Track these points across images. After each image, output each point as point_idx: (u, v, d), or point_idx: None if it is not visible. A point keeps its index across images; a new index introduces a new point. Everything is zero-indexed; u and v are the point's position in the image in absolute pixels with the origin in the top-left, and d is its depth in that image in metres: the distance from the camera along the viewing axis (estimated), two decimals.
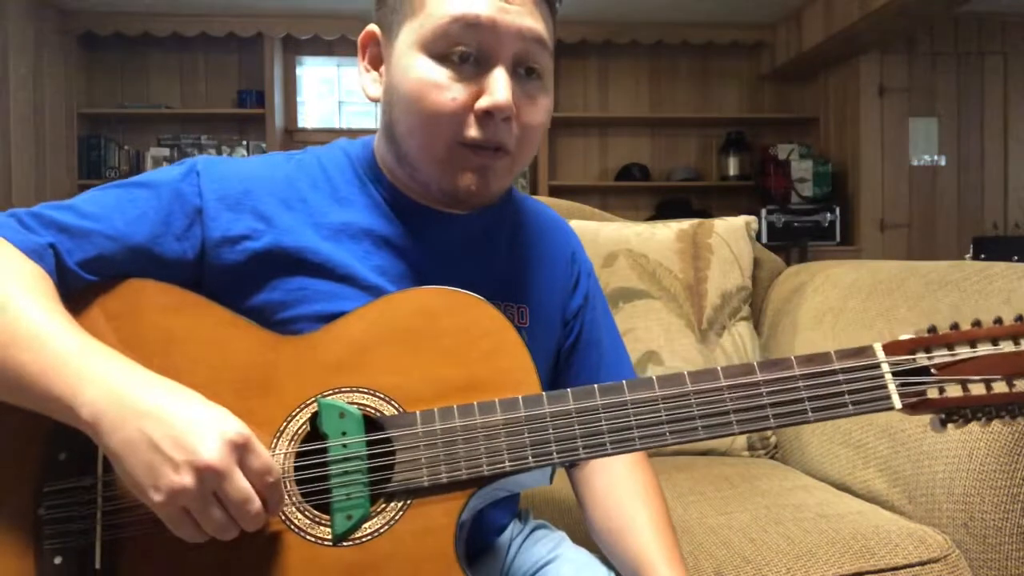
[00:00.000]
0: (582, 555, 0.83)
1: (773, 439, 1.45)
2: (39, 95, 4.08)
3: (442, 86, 0.70)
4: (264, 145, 4.57)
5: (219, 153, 4.60)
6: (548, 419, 0.64)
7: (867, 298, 1.27)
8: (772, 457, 1.44)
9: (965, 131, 4.62)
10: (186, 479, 0.55)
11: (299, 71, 4.83)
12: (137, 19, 4.38)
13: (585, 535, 0.85)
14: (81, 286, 0.70)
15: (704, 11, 4.50)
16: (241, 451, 0.57)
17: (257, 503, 0.58)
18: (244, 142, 4.64)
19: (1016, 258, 2.93)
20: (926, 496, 1.02)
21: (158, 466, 0.56)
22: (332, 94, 4.95)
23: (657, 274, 1.51)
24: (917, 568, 0.92)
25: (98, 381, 0.59)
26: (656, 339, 1.46)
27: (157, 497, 0.56)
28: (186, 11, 4.37)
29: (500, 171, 0.74)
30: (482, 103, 0.70)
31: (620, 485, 0.82)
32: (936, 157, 4.60)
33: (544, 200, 1.67)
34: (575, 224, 1.54)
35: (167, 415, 0.57)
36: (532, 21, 0.71)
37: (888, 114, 4.49)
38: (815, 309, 1.40)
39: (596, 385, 0.65)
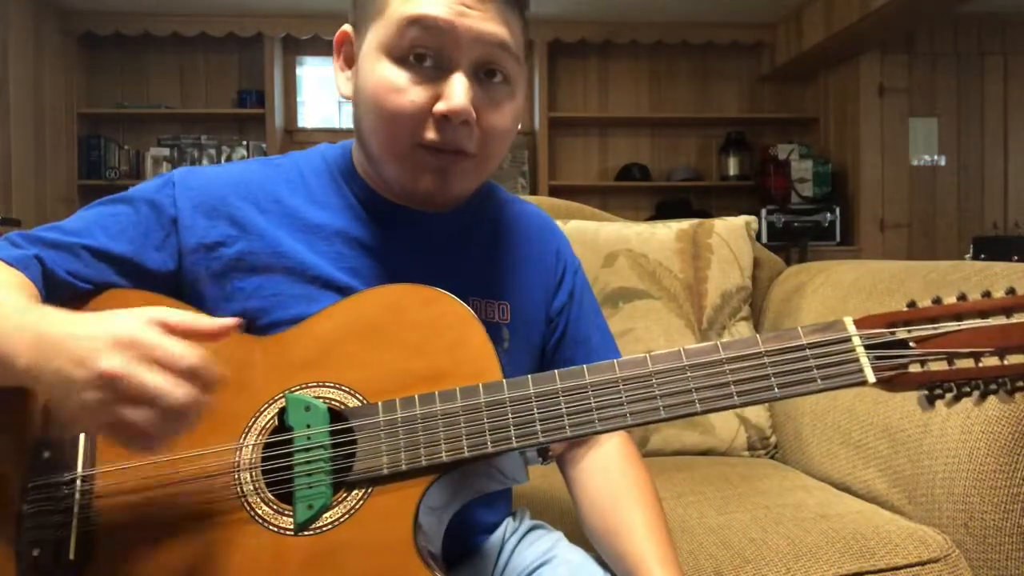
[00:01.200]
0: (578, 555, 0.83)
1: (773, 439, 1.45)
2: (39, 95, 4.08)
3: (401, 89, 0.71)
4: (264, 145, 4.57)
5: (219, 153, 4.60)
6: (507, 404, 0.64)
7: (867, 298, 1.27)
8: (772, 457, 1.44)
9: (965, 131, 4.62)
10: (95, 394, 0.55)
11: (299, 71, 4.83)
12: (137, 19, 4.38)
13: (585, 536, 0.85)
14: (77, 291, 0.73)
15: (704, 11, 4.50)
16: (136, 348, 0.56)
17: (176, 390, 0.55)
18: (244, 142, 4.64)
19: (1016, 258, 2.93)
20: (926, 496, 1.02)
21: (73, 393, 0.56)
22: (332, 94, 4.95)
23: (657, 274, 1.51)
24: (917, 568, 0.92)
25: (24, 335, 0.59)
26: (656, 339, 1.46)
27: (85, 422, 0.57)
28: (186, 11, 4.36)
29: (462, 173, 0.75)
30: (439, 107, 0.70)
31: (615, 484, 0.82)
32: (936, 157, 4.60)
33: (544, 200, 1.68)
34: (575, 224, 1.55)
35: (68, 340, 0.57)
36: (494, 26, 0.71)
37: (888, 114, 4.49)
38: (815, 309, 1.40)
39: (556, 370, 0.65)
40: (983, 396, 0.60)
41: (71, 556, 0.64)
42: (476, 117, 0.72)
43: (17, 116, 3.86)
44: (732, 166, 4.78)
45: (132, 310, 0.60)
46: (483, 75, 0.73)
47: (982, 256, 3.36)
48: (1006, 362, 0.59)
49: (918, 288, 1.18)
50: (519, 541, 0.87)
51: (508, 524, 0.90)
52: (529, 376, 0.65)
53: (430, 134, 0.71)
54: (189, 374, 0.56)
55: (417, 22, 0.70)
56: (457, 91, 0.70)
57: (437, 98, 0.71)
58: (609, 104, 4.89)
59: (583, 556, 0.83)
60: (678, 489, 1.16)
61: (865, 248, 4.42)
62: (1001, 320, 0.60)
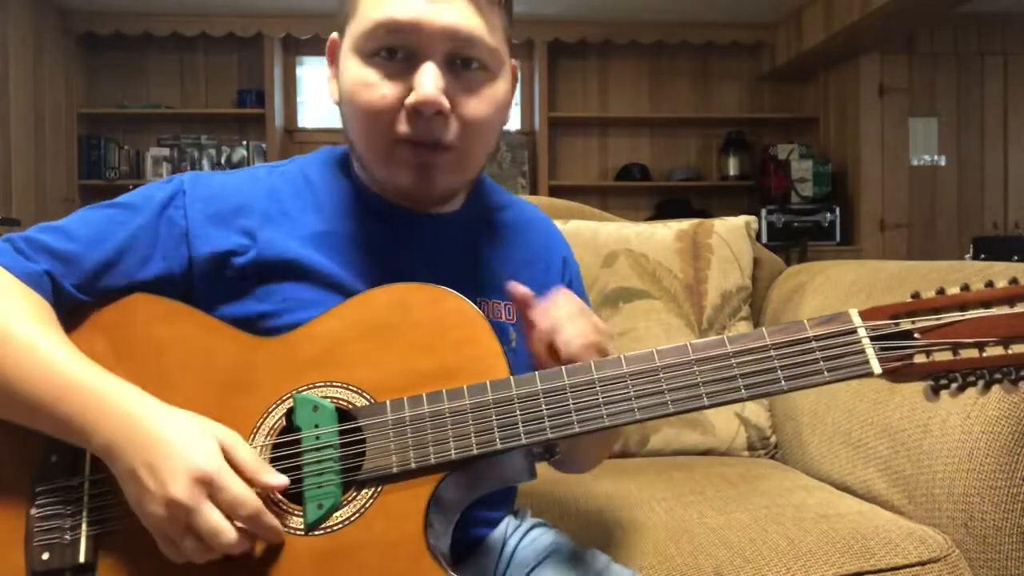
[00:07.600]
0: (580, 551, 0.83)
1: (773, 439, 1.45)
2: (39, 95, 4.08)
3: (372, 84, 0.72)
4: (264, 145, 4.57)
5: (219, 153, 4.60)
6: (515, 401, 0.64)
7: (867, 298, 1.27)
8: (772, 457, 1.44)
9: (965, 131, 4.62)
10: (159, 511, 0.60)
11: (299, 71, 4.83)
12: (137, 19, 4.38)
13: (585, 535, 0.85)
14: (77, 304, 0.73)
15: (704, 11, 4.50)
16: (208, 487, 0.60)
17: (229, 535, 0.60)
18: (244, 142, 4.64)
19: (1016, 258, 2.93)
20: (926, 496, 1.02)
21: (142, 494, 0.61)
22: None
23: (657, 274, 1.51)
24: (917, 568, 0.92)
25: (107, 414, 0.63)
26: (656, 339, 1.46)
27: (144, 521, 0.62)
28: (186, 11, 4.37)
29: (445, 167, 0.75)
30: (409, 99, 0.70)
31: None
32: (936, 157, 4.60)
33: (544, 200, 1.68)
34: (575, 224, 1.55)
35: (150, 445, 0.62)
36: (462, 18, 0.71)
37: (888, 114, 4.49)
38: (815, 309, 1.40)
39: (563, 367, 0.65)
40: (987, 386, 0.60)
41: (81, 559, 0.65)
42: (452, 107, 0.72)
43: (17, 116, 3.86)
44: (732, 166, 4.78)
45: (211, 428, 0.64)
46: (459, 64, 0.73)
47: (982, 256, 3.36)
48: (1010, 351, 0.59)
49: (918, 288, 1.17)
50: (521, 539, 0.87)
51: (510, 522, 0.90)
52: (536, 373, 0.65)
53: (404, 127, 0.72)
54: (248, 521, 0.61)
55: (383, 26, 0.71)
56: (426, 81, 0.70)
57: (409, 91, 0.71)
58: (609, 104, 4.89)
59: (584, 549, 0.83)
60: (678, 489, 1.16)
61: (865, 248, 4.42)
62: (1005, 310, 0.60)
